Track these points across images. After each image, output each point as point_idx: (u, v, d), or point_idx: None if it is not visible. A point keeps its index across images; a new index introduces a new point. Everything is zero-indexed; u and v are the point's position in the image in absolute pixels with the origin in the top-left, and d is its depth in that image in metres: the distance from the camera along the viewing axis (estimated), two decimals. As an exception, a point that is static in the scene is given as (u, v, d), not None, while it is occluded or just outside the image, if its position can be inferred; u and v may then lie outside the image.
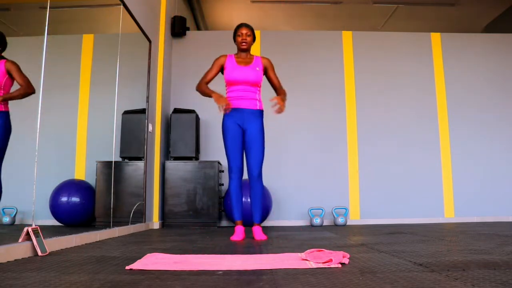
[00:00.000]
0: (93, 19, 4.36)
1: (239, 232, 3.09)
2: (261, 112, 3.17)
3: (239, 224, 3.16)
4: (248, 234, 3.33)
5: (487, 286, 1.22)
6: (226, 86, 3.21)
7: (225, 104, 2.96)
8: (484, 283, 1.26)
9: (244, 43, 3.16)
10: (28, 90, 2.67)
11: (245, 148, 3.14)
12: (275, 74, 3.29)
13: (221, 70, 3.21)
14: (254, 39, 3.24)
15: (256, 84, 3.15)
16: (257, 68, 3.17)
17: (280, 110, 3.08)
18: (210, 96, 3.08)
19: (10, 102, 2.76)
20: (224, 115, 3.13)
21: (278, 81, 3.29)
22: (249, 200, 4.18)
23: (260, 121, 3.13)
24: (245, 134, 3.12)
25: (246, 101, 3.11)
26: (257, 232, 3.07)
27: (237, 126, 3.11)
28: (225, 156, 3.21)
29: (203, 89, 3.17)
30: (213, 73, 3.22)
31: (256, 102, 3.15)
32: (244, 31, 3.17)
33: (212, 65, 3.22)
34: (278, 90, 3.27)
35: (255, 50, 5.49)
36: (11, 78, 2.70)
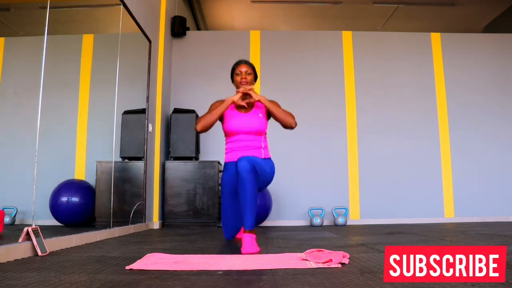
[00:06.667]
0: (93, 19, 4.37)
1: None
2: (267, 160, 2.70)
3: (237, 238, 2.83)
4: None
5: (487, 286, 1.23)
6: (225, 136, 2.80)
7: (240, 93, 2.69)
8: (484, 283, 1.26)
9: (244, 84, 2.73)
10: None
11: None
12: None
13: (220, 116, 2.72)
14: (255, 77, 2.81)
15: (260, 133, 2.71)
16: (260, 114, 2.72)
17: (247, 89, 2.70)
18: (225, 109, 2.70)
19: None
20: (224, 168, 2.76)
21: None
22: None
23: (263, 165, 2.57)
24: None
25: (249, 151, 2.66)
26: (247, 242, 2.27)
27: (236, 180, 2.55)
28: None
29: (208, 116, 2.69)
30: None
31: (260, 150, 2.69)
32: (243, 68, 2.75)
33: (209, 110, 2.74)
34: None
35: (255, 49, 5.49)
36: None
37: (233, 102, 2.71)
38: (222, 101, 2.75)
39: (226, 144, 2.79)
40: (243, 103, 2.70)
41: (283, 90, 5.36)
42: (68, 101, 4.14)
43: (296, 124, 2.71)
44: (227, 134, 2.76)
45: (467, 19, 6.95)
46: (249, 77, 2.75)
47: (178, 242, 2.83)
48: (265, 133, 2.78)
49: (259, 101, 2.70)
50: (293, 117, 2.71)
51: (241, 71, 2.75)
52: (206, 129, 2.70)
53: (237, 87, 2.78)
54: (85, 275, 1.52)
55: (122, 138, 4.04)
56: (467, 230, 3.69)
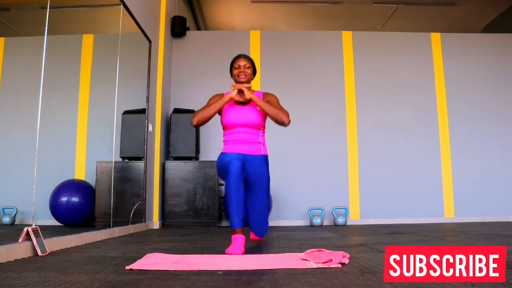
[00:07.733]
0: (93, 19, 4.37)
1: (237, 244, 2.31)
2: (265, 157, 2.67)
3: (239, 232, 2.38)
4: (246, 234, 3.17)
5: (487, 286, 1.23)
6: (223, 129, 2.72)
7: (237, 89, 2.62)
8: (484, 283, 1.26)
9: (242, 76, 2.67)
10: None
11: (246, 192, 2.58)
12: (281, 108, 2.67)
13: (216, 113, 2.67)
14: (254, 72, 2.76)
15: (258, 127, 2.66)
16: (258, 108, 2.65)
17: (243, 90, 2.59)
18: (222, 106, 2.64)
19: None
20: (219, 157, 2.66)
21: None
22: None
23: (264, 167, 2.62)
24: (247, 176, 2.56)
25: (247, 145, 2.61)
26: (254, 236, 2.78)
27: (237, 159, 2.48)
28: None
29: (205, 111, 2.65)
30: None
31: (259, 146, 2.65)
32: (242, 62, 2.69)
33: (207, 104, 2.69)
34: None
35: (255, 49, 5.49)
36: None
37: (231, 99, 2.65)
38: (221, 95, 2.71)
39: (224, 136, 2.72)
40: (241, 99, 2.66)
41: (283, 90, 5.34)
42: (68, 101, 4.14)
43: (289, 122, 2.63)
44: (225, 127, 2.69)
45: (467, 19, 6.95)
46: (248, 71, 2.70)
47: (178, 242, 2.83)
48: (263, 127, 2.73)
49: (250, 99, 2.63)
50: (285, 114, 2.62)
51: (240, 65, 2.69)
52: (201, 124, 2.68)
53: (235, 80, 2.72)
54: (85, 275, 1.52)
55: (122, 138, 4.04)
56: (467, 230, 3.69)
